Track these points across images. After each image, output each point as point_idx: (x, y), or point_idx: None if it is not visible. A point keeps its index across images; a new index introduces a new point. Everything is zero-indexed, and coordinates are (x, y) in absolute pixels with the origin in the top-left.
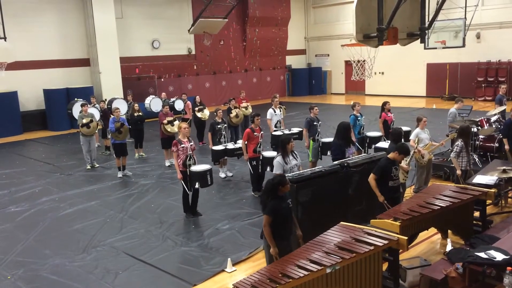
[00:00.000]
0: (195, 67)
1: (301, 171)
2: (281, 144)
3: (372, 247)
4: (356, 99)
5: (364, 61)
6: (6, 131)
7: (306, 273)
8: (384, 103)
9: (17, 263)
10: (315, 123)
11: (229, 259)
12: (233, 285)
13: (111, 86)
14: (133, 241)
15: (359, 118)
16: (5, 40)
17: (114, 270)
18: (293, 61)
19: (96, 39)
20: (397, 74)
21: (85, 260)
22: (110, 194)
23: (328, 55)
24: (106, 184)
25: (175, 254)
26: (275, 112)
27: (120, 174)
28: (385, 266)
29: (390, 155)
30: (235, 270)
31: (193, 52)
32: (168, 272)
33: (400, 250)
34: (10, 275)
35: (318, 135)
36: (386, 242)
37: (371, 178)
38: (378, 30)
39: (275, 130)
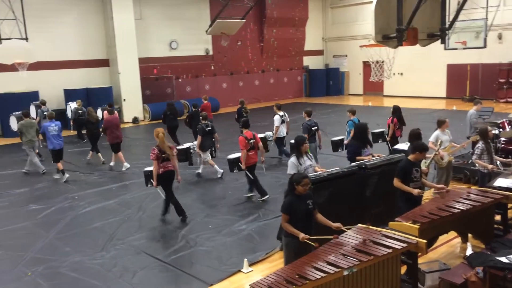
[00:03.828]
0: (212, 68)
1: (318, 172)
2: (295, 145)
3: (390, 250)
4: (374, 100)
5: (382, 61)
6: None
7: (323, 275)
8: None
9: (38, 260)
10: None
11: (245, 259)
12: (249, 285)
13: (130, 86)
14: (150, 240)
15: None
16: (26, 41)
17: (132, 269)
18: (311, 62)
19: (115, 40)
20: (417, 75)
21: (104, 258)
22: (128, 193)
23: (346, 56)
24: (123, 183)
25: (192, 254)
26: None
27: (64, 178)
28: (403, 269)
29: (411, 157)
30: (252, 270)
31: (211, 53)
32: (185, 272)
33: (419, 253)
34: (30, 271)
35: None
36: (404, 245)
37: (396, 181)
38: (397, 31)
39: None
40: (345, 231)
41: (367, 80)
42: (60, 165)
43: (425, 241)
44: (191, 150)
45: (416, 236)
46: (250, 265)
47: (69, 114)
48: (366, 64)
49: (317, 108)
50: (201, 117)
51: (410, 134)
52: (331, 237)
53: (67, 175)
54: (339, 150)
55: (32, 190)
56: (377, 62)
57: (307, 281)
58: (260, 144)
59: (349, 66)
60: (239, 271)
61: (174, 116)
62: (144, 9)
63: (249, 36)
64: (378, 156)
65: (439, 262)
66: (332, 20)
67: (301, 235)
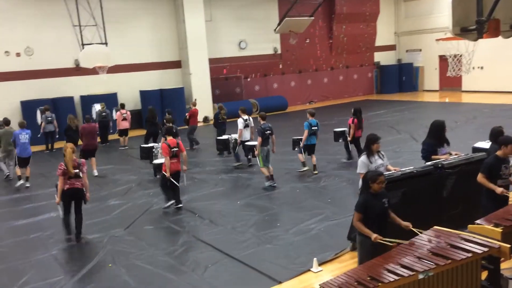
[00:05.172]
0: (280, 66)
1: (391, 172)
2: (366, 144)
3: (469, 254)
4: (452, 96)
5: (461, 55)
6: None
7: (396, 277)
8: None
9: (116, 253)
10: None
11: (315, 259)
12: (319, 285)
13: (201, 86)
14: (221, 237)
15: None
16: (106, 45)
17: (203, 264)
18: (382, 58)
19: (187, 42)
20: (498, 69)
21: (177, 252)
22: (199, 191)
23: (420, 50)
24: (193, 181)
25: (261, 251)
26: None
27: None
28: (484, 274)
29: (499, 152)
30: (321, 270)
31: (279, 52)
32: (254, 268)
33: (502, 259)
34: (110, 263)
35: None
36: (485, 249)
37: (480, 177)
38: (477, 23)
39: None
40: (417, 233)
41: (444, 75)
42: (18, 171)
43: (508, 245)
44: (154, 150)
45: (498, 240)
46: (320, 264)
47: (94, 116)
48: (443, 58)
49: (390, 105)
50: (164, 120)
51: (491, 132)
52: (406, 242)
53: (21, 182)
54: (296, 149)
55: (112, 186)
56: (454, 56)
57: (379, 284)
58: (184, 153)
59: (424, 61)
60: (309, 270)
61: (153, 121)
62: (214, 10)
63: (317, 33)
64: (456, 155)
65: None
66: (405, 14)
67: (373, 236)
